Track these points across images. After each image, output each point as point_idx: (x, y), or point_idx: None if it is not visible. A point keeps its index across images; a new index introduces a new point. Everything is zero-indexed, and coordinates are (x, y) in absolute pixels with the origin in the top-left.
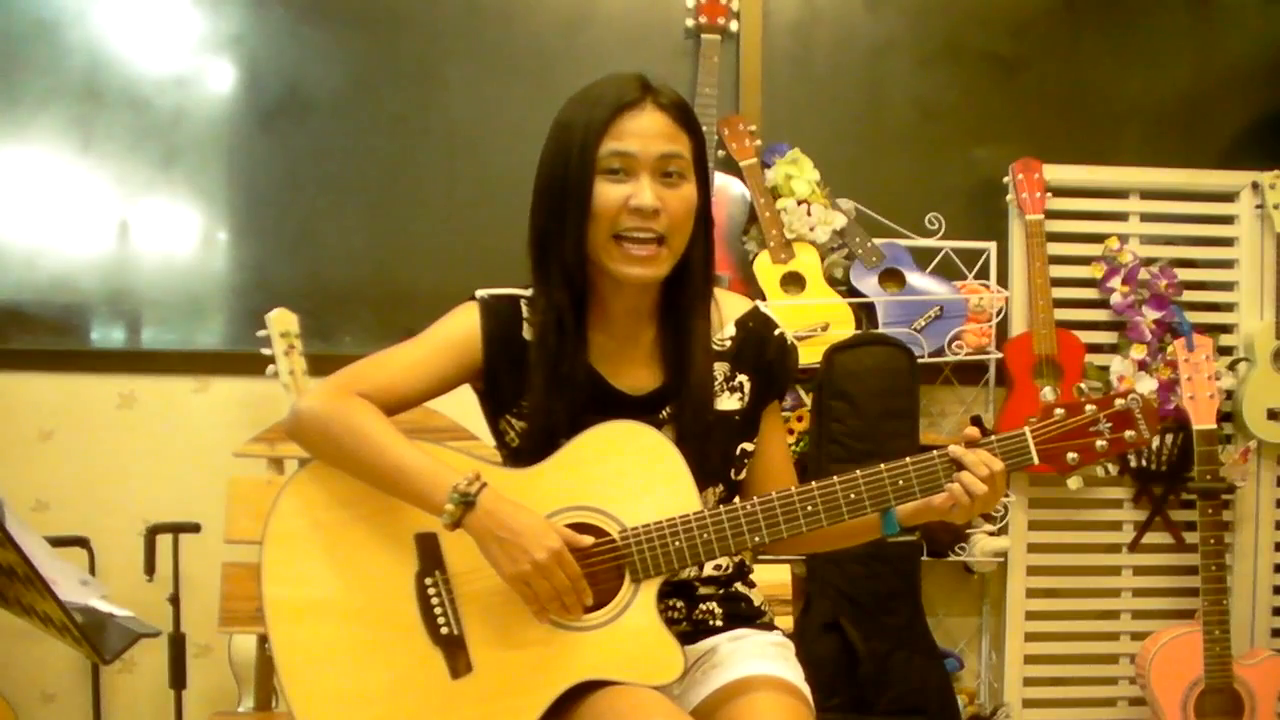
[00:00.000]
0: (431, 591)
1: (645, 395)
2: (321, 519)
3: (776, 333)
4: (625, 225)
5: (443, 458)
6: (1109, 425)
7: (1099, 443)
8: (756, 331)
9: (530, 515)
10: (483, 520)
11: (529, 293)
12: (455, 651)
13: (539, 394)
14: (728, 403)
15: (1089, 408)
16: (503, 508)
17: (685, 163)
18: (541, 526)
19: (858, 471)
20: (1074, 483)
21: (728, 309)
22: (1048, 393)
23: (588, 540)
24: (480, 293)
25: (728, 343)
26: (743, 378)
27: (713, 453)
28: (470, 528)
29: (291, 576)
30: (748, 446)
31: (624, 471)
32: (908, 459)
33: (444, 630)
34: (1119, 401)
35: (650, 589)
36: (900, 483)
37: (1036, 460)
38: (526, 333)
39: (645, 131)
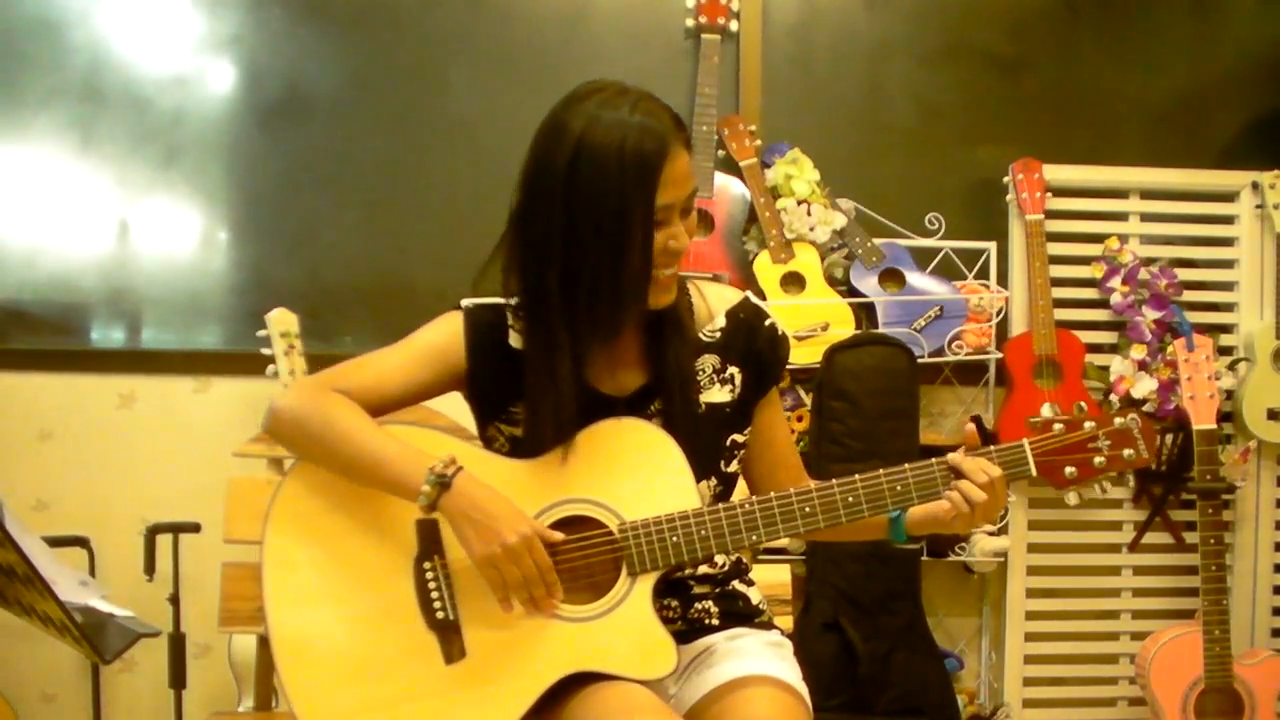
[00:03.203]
0: (429, 576)
1: (631, 394)
2: (323, 504)
3: (768, 323)
4: (659, 264)
5: (419, 443)
6: (1108, 443)
7: (1097, 459)
8: (747, 322)
9: (505, 502)
10: (457, 501)
11: (514, 302)
12: (449, 636)
13: (531, 409)
14: (718, 395)
15: (1088, 424)
16: (478, 490)
17: None
18: (515, 512)
19: (856, 476)
20: (1072, 499)
21: (718, 301)
22: (1047, 409)
23: (559, 535)
24: (465, 302)
25: (717, 334)
26: (733, 369)
27: (703, 445)
28: (445, 509)
29: (292, 559)
30: (739, 438)
31: (623, 466)
32: (906, 465)
33: (439, 615)
34: (1118, 420)
35: (646, 583)
36: (898, 488)
37: (1034, 472)
38: (514, 340)
39: (681, 177)
